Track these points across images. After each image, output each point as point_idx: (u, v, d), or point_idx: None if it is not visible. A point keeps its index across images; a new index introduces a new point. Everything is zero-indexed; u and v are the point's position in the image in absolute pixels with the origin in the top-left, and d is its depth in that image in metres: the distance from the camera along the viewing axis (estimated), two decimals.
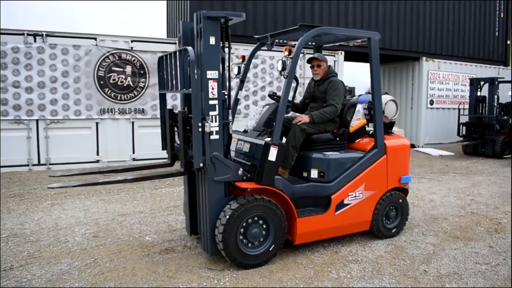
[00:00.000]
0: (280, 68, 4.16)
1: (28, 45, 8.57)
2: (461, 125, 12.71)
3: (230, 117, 4.09)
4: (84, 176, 4.87)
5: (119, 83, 9.35)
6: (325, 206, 4.51)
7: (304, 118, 4.64)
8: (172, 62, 4.15)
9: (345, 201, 4.60)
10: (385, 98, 5.06)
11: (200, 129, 3.78)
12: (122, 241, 4.79)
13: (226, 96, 3.99)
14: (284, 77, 4.17)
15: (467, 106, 12.92)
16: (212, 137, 3.85)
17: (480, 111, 12.58)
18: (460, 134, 12.79)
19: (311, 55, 5.11)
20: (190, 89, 3.75)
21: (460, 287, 3.79)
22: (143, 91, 9.61)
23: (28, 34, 8.60)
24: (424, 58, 14.28)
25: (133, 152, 9.69)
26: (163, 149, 4.66)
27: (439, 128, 14.39)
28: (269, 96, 5.16)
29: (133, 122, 9.64)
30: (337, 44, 5.57)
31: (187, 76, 3.80)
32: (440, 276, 3.99)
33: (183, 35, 4.24)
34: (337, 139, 4.79)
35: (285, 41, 5.33)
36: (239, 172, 4.01)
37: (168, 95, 9.78)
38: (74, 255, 4.38)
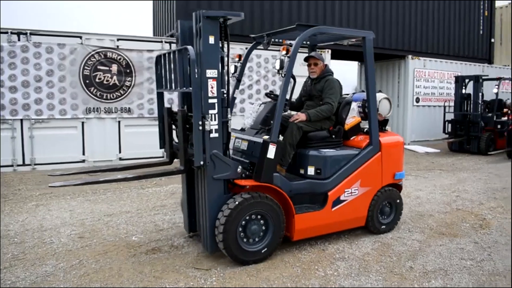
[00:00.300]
0: (278, 67, 4.23)
1: (12, 43, 8.43)
2: (446, 123, 12.85)
3: (229, 116, 4.14)
4: (83, 175, 4.86)
5: (105, 82, 9.26)
6: (322, 203, 4.59)
7: (301, 116, 4.69)
8: (171, 61, 4.18)
9: (342, 198, 4.68)
10: (379, 96, 5.14)
11: (200, 128, 3.82)
12: (108, 242, 4.75)
13: (225, 95, 4.05)
14: (282, 76, 4.24)
15: (452, 104, 13.05)
16: (211, 135, 3.90)
17: (465, 109, 12.72)
18: (446, 131, 12.93)
19: (308, 54, 5.18)
20: (190, 88, 3.79)
21: (447, 286, 3.83)
22: (129, 90, 9.52)
23: (12, 33, 8.46)
24: (410, 56, 14.40)
25: (120, 152, 9.61)
26: (161, 147, 4.68)
27: (425, 126, 14.52)
28: (266, 94, 5.21)
29: (119, 122, 9.56)
30: (331, 43, 5.65)
31: (187, 75, 3.85)
32: (426, 273, 4.03)
33: (181, 34, 4.28)
34: (333, 136, 4.86)
35: (279, 40, 5.37)
36: (238, 169, 4.08)
37: (155, 94, 9.74)
38: (59, 256, 4.33)
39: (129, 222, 5.48)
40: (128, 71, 9.46)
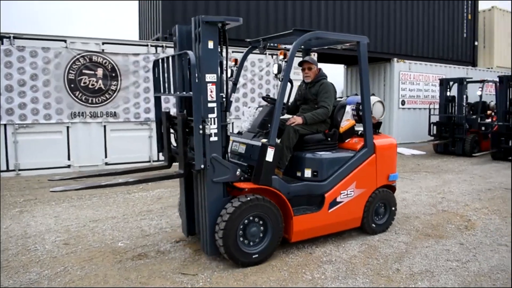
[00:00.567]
0: (276, 71, 4.30)
1: None
2: (432, 125, 13.00)
3: (228, 119, 4.19)
4: (83, 180, 4.83)
5: (90, 86, 9.18)
6: (319, 204, 4.66)
7: (298, 119, 4.78)
8: (169, 65, 4.22)
9: (338, 199, 4.75)
10: (372, 99, 5.24)
11: (201, 131, 3.86)
12: (93, 248, 4.70)
13: (224, 99, 4.11)
14: (279, 80, 4.30)
15: (437, 106, 13.22)
16: (211, 139, 3.94)
17: (450, 111, 12.88)
18: (431, 134, 13.08)
19: (302, 59, 5.28)
20: (190, 92, 3.84)
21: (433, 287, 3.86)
22: (115, 94, 9.45)
23: None
24: (395, 59, 14.54)
25: (106, 157, 9.53)
26: (159, 151, 4.69)
27: (410, 128, 14.66)
28: (263, 98, 5.27)
29: (105, 126, 9.48)
30: (325, 47, 5.76)
31: (187, 79, 3.92)
32: (413, 274, 4.05)
33: (178, 38, 4.32)
34: (329, 139, 4.93)
35: (275, 45, 5.45)
36: (237, 172, 4.13)
37: (141, 99, 9.68)
38: (44, 263, 4.26)
39: (115, 227, 5.43)
40: (113, 75, 9.39)
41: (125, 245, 4.78)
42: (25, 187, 7.67)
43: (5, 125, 8.53)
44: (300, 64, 5.18)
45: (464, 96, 12.35)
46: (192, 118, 3.95)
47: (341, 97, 5.58)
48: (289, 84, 4.58)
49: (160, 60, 4.46)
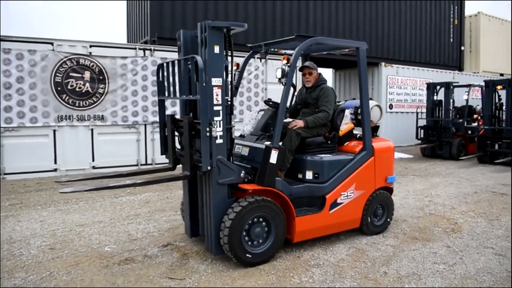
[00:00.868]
0: (279, 76, 4.44)
1: None
2: (419, 129, 13.09)
3: (233, 122, 4.27)
4: (89, 181, 4.83)
5: (77, 89, 9.10)
6: (320, 206, 4.76)
7: (299, 123, 4.86)
8: (175, 69, 4.31)
9: (338, 200, 4.87)
10: (370, 103, 5.35)
11: (207, 134, 3.93)
12: (80, 253, 4.64)
13: (229, 102, 4.20)
14: (283, 85, 4.40)
15: (424, 110, 13.34)
16: (217, 141, 4.03)
17: (437, 115, 12.99)
18: (418, 137, 13.18)
19: (302, 64, 5.44)
20: (197, 96, 3.95)
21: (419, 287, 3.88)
22: (102, 97, 9.38)
23: None
24: (383, 64, 14.66)
25: (93, 160, 9.44)
26: (162, 153, 4.75)
27: (398, 132, 14.75)
28: (265, 102, 5.35)
29: (92, 129, 9.39)
30: (324, 53, 5.92)
31: (194, 83, 4.04)
32: (400, 277, 4.07)
33: (183, 43, 4.41)
34: (329, 142, 5.06)
35: (275, 50, 5.58)
36: (242, 174, 4.22)
37: (129, 102, 9.62)
38: (29, 268, 4.20)
39: (102, 232, 5.37)
40: (101, 78, 9.33)
41: (112, 250, 4.73)
42: (11, 191, 7.57)
43: None
44: (301, 69, 5.31)
45: (451, 100, 12.48)
46: (197, 121, 4.05)
47: (339, 102, 5.66)
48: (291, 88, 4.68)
49: (165, 64, 4.53)
